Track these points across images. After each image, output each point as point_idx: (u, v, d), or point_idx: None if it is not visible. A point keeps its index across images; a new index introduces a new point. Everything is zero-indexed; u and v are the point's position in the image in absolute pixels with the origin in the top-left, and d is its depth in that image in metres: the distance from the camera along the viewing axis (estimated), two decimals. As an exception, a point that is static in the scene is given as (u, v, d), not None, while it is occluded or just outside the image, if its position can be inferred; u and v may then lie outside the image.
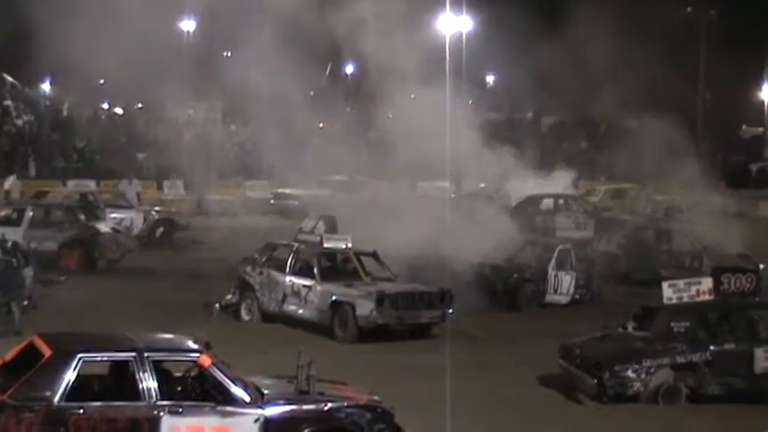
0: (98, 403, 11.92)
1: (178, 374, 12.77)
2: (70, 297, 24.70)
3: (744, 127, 75.60)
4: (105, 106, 63.24)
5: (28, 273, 22.64)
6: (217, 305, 23.56)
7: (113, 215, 33.96)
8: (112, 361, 12.56)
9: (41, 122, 55.76)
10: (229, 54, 33.02)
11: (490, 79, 68.29)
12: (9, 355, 12.79)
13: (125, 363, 12.26)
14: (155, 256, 32.23)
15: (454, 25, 39.50)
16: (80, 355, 12.03)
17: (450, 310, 22.05)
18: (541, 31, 39.30)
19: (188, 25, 46.87)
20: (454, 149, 27.77)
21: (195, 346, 12.69)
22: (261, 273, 23.41)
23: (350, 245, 23.40)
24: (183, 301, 24.54)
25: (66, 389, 11.82)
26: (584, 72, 39.07)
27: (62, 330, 14.90)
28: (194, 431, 12.03)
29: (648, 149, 38.15)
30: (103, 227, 30.60)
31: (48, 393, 11.77)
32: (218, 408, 12.15)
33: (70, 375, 11.88)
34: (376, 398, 13.22)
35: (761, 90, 71.15)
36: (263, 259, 23.77)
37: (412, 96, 31.32)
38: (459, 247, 25.52)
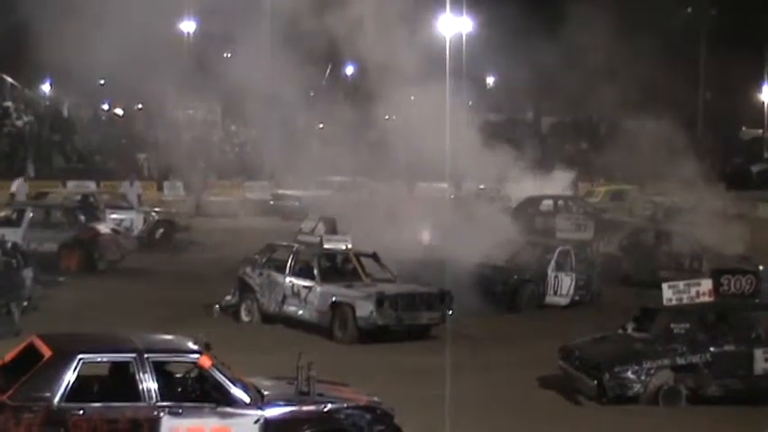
0: (98, 404, 11.90)
1: (178, 375, 12.77)
2: (70, 298, 24.69)
3: (743, 128, 75.63)
4: (105, 107, 63.27)
5: (28, 274, 22.64)
6: (217, 306, 23.73)
7: (113, 216, 33.92)
8: (112, 362, 12.56)
9: (41, 123, 55.75)
10: (229, 55, 33.06)
11: (490, 80, 68.36)
12: (9, 356, 12.78)
13: (125, 364, 12.26)
14: (155, 257, 32.23)
15: (454, 26, 39.54)
16: (80, 356, 12.03)
17: (450, 311, 22.05)
18: (541, 32, 39.37)
19: (188, 26, 46.91)
20: (454, 150, 27.81)
21: (195, 347, 12.69)
22: (261, 274, 23.41)
23: (350, 246, 23.40)
24: (182, 301, 24.54)
25: (65, 390, 11.82)
26: (584, 73, 39.10)
27: (62, 331, 14.90)
28: (194, 432, 12.06)
29: (648, 151, 38.21)
30: (103, 228, 30.57)
31: (47, 394, 11.76)
32: (218, 409, 12.15)
33: (70, 376, 11.87)
34: (376, 399, 13.22)
35: (761, 91, 71.18)
36: (263, 260, 23.77)
37: (412, 97, 31.35)
38: (458, 248, 25.53)
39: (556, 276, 26.28)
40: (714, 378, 17.47)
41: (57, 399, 11.76)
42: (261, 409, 12.28)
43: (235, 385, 12.33)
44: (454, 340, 20.55)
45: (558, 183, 40.86)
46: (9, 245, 23.15)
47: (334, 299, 21.85)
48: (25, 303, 21.84)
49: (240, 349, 17.48)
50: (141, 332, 13.44)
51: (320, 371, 12.89)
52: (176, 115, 43.71)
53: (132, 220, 34.59)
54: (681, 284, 18.47)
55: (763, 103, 71.48)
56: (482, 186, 39.17)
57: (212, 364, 12.41)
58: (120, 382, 12.26)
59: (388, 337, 21.50)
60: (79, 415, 11.75)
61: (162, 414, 11.93)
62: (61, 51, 26.21)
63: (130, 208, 35.79)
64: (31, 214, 29.76)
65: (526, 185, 37.89)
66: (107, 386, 12.44)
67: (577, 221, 34.75)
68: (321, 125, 44.08)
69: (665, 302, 18.26)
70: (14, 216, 29.87)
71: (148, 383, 12.00)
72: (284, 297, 22.80)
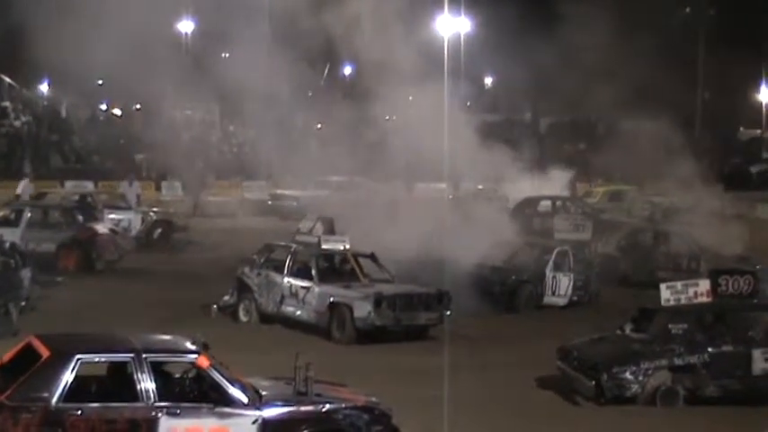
0: (96, 404, 11.90)
1: (176, 376, 12.77)
2: (68, 298, 24.68)
3: (741, 129, 75.65)
4: (103, 107, 63.29)
5: (26, 274, 22.64)
6: (215, 306, 23.73)
7: (111, 216, 33.94)
8: (110, 362, 12.56)
9: (39, 123, 55.75)
10: (227, 55, 33.04)
11: (488, 80, 68.37)
12: (7, 356, 12.78)
13: (123, 364, 12.25)
14: (152, 257, 32.23)
15: (452, 26, 39.55)
16: (78, 356, 12.02)
17: (448, 312, 22.04)
18: (540, 33, 39.35)
19: (186, 26, 46.89)
20: (452, 150, 27.79)
21: (193, 348, 12.69)
22: (259, 274, 23.41)
23: (348, 246, 23.40)
24: (180, 302, 24.54)
25: (63, 390, 11.81)
26: (583, 73, 39.10)
27: (60, 331, 14.90)
28: (192, 432, 12.06)
29: (646, 151, 38.20)
30: (101, 228, 30.57)
31: (45, 394, 11.76)
32: (216, 409, 12.15)
33: (68, 376, 11.87)
34: (374, 399, 13.22)
35: (759, 92, 71.20)
36: (262, 260, 23.77)
37: (410, 98, 31.34)
38: (457, 249, 25.53)
39: (554, 277, 26.29)
40: (712, 378, 17.47)
41: (54, 399, 11.76)
42: (259, 409, 12.28)
43: (233, 385, 12.33)
44: (452, 341, 20.53)
45: (556, 183, 40.87)
46: (7, 245, 23.17)
47: (332, 299, 21.85)
48: (23, 303, 21.83)
49: (238, 349, 17.47)
50: (139, 332, 13.43)
51: (318, 371, 12.89)
52: (174, 115, 43.72)
53: (130, 220, 34.60)
54: (679, 285, 18.47)
55: (762, 103, 71.51)
56: (480, 187, 39.18)
57: (210, 365, 12.41)
58: (118, 383, 12.26)
59: (386, 338, 21.51)
60: (77, 415, 11.75)
61: (160, 414, 11.93)
62: (59, 51, 26.19)
63: (128, 208, 35.80)
64: (29, 214, 29.76)
65: (524, 186, 37.90)
66: (105, 386, 12.44)
67: (575, 222, 34.80)
68: (319, 125, 44.06)
69: (663, 303, 18.25)
70: (12, 216, 29.87)
71: (146, 384, 12.00)
72: (282, 297, 22.81)
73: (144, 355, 12.16)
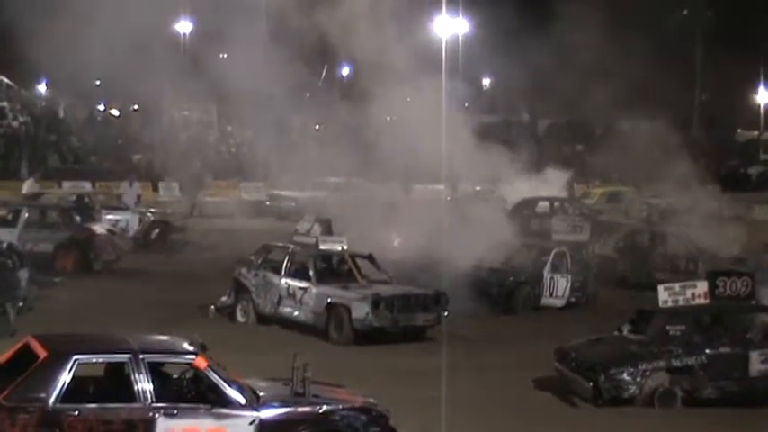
0: (93, 405, 11.90)
1: (174, 376, 12.76)
2: (66, 298, 24.67)
3: (739, 130, 75.70)
4: (101, 108, 63.27)
5: (23, 274, 22.60)
6: (212, 307, 23.73)
7: (109, 216, 33.91)
8: (108, 362, 12.55)
9: (37, 124, 55.72)
10: (225, 56, 33.04)
11: (486, 81, 68.37)
12: (4, 357, 12.76)
13: (120, 364, 12.25)
14: (150, 257, 32.20)
15: (450, 27, 39.57)
16: (75, 357, 12.01)
17: (446, 313, 22.05)
18: (537, 34, 39.35)
19: (184, 27, 46.87)
20: (450, 152, 27.80)
21: (190, 348, 12.68)
22: (256, 275, 23.40)
23: (345, 247, 23.40)
24: (178, 302, 24.52)
25: (61, 390, 11.80)
26: (581, 75, 39.11)
27: (57, 332, 14.90)
28: (189, 433, 12.05)
29: (644, 152, 38.20)
30: (99, 228, 30.55)
31: (43, 395, 11.75)
32: (214, 410, 12.15)
33: (65, 377, 11.86)
34: (371, 400, 13.22)
35: (756, 93, 71.25)
36: (259, 261, 23.76)
37: (408, 99, 31.34)
38: (454, 250, 25.53)
39: (551, 278, 26.29)
40: (709, 380, 17.48)
41: (52, 399, 11.75)
42: (256, 410, 12.28)
43: (230, 386, 12.33)
44: (450, 342, 20.52)
45: (553, 184, 40.86)
46: (5, 245, 23.12)
47: (329, 300, 21.85)
48: (21, 304, 21.79)
49: (236, 350, 17.46)
50: (137, 333, 13.41)
51: (316, 372, 12.89)
52: (172, 116, 43.72)
53: (128, 220, 34.54)
54: (676, 286, 18.48)
55: (759, 105, 71.56)
56: (478, 188, 39.18)
57: (208, 365, 12.41)
58: (115, 383, 12.26)
59: (384, 339, 21.50)
60: (74, 416, 11.74)
61: (157, 415, 11.93)
62: (57, 52, 26.18)
63: (126, 208, 35.77)
64: (26, 215, 29.73)
65: (521, 187, 37.90)
66: (102, 387, 12.43)
67: (573, 223, 34.87)
68: (317, 126, 44.07)
69: (660, 304, 18.26)
70: (10, 216, 29.85)
71: (144, 384, 11.99)
72: (280, 298, 22.80)
73: (141, 356, 12.15)
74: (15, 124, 54.55)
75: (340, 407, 12.71)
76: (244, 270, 23.74)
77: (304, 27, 29.88)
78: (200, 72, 31.73)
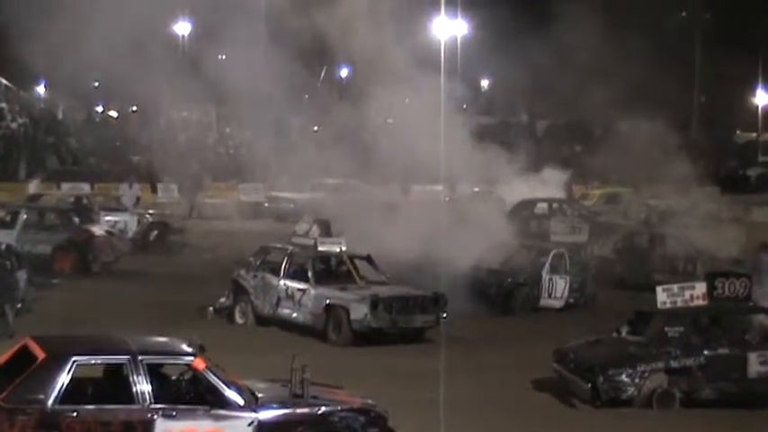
0: (92, 406, 11.90)
1: (172, 378, 12.76)
2: (64, 300, 24.67)
3: (738, 132, 75.71)
4: (100, 109, 63.22)
5: (22, 276, 22.60)
6: (211, 308, 23.72)
7: (108, 218, 33.91)
8: (106, 364, 12.55)
9: (36, 125, 55.69)
10: (224, 57, 33.04)
11: (485, 83, 68.38)
12: (2, 358, 12.76)
13: (119, 366, 12.25)
14: (149, 259, 32.22)
15: (449, 29, 39.58)
16: (74, 358, 12.01)
17: (444, 314, 22.03)
18: (536, 35, 39.35)
19: (182, 28, 46.87)
20: (448, 153, 27.81)
21: (189, 350, 12.68)
22: (255, 276, 23.39)
23: (344, 248, 23.39)
24: (177, 304, 24.53)
25: (59, 392, 11.81)
26: (579, 76, 39.11)
27: (56, 333, 14.91)
28: (188, 435, 12.05)
29: (643, 153, 38.21)
30: (98, 230, 30.55)
31: (41, 396, 11.75)
32: (212, 411, 12.15)
33: (64, 378, 11.87)
34: (370, 401, 13.22)
35: (755, 95, 71.25)
36: (258, 262, 23.76)
37: (407, 100, 31.35)
38: (453, 251, 25.52)
39: (550, 279, 26.29)
40: (708, 381, 17.48)
41: (50, 401, 11.75)
42: (255, 411, 12.28)
43: (229, 387, 12.33)
44: (448, 343, 20.52)
45: (552, 184, 40.87)
46: (3, 247, 23.08)
47: (328, 301, 21.85)
48: (19, 305, 21.79)
49: (234, 351, 17.45)
50: (135, 334, 13.41)
51: (314, 373, 12.89)
52: (171, 117, 43.69)
53: (126, 222, 34.54)
54: (675, 288, 18.47)
55: (758, 106, 71.55)
56: (476, 189, 39.18)
57: (206, 367, 12.41)
58: (113, 385, 12.26)
59: (383, 340, 21.50)
60: (73, 417, 11.74)
61: (156, 416, 11.93)
62: (56, 53, 26.19)
63: (125, 210, 35.76)
64: (24, 216, 29.74)
65: (519, 188, 37.91)
66: (101, 388, 12.43)
67: (572, 224, 34.84)
68: (316, 128, 44.06)
69: (659, 305, 18.25)
70: (8, 218, 29.85)
71: (142, 386, 11.99)
72: (278, 299, 22.80)
73: (140, 357, 12.15)
74: (14, 126, 54.52)
75: (338, 408, 12.72)
76: (242, 271, 23.74)
77: (303, 28, 29.90)
78: (199, 73, 31.72)
